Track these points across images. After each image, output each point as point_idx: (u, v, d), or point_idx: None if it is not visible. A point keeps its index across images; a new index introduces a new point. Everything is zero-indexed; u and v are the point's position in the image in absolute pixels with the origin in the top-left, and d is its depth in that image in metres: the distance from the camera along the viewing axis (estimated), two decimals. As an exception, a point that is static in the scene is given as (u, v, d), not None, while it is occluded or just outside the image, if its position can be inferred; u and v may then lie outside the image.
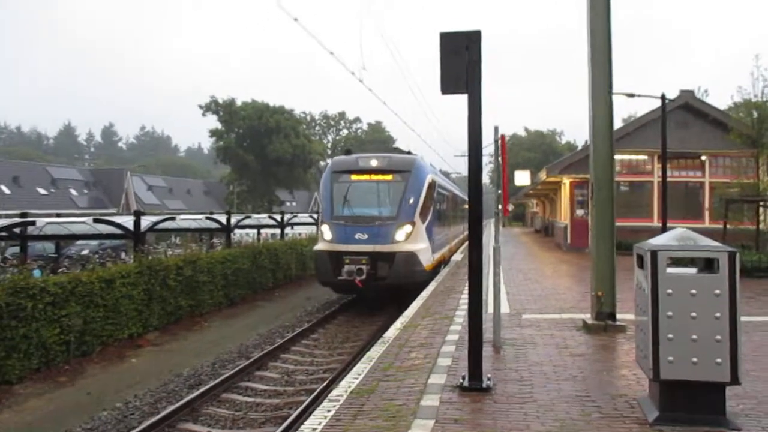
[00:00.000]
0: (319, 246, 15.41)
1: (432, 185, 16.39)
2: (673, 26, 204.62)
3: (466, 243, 8.67)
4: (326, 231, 15.12)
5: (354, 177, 15.74)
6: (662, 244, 4.98)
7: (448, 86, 6.19)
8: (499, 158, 7.74)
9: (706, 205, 23.12)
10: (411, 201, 15.12)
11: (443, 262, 19.50)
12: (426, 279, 15.24)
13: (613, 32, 9.01)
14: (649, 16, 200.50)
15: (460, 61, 6.11)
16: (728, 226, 17.98)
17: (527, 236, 41.99)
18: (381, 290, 15.06)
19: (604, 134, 8.96)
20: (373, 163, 15.74)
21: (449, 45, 6.17)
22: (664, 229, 16.18)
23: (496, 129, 7.82)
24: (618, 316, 8.82)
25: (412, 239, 14.74)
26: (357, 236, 14.64)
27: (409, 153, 17.43)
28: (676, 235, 5.06)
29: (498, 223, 8.12)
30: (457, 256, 23.66)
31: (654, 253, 4.87)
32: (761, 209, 18.26)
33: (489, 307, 9.23)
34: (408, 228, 14.74)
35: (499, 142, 7.66)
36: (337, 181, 15.84)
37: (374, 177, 15.64)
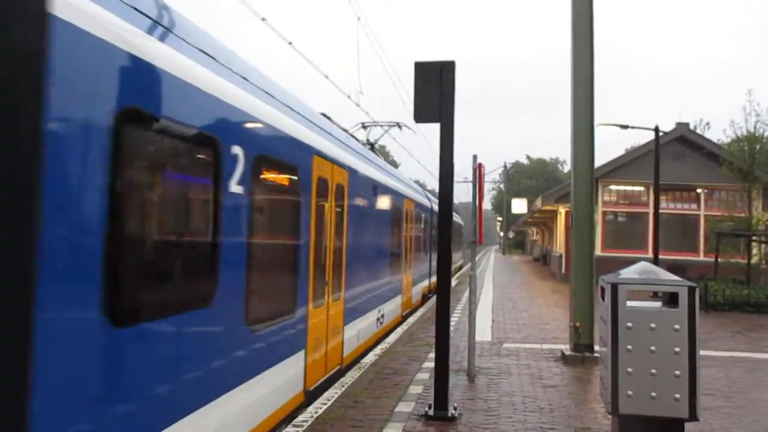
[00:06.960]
0: None
1: None
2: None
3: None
4: None
5: None
6: (623, 278, 4.98)
7: (421, 115, 6.26)
8: (477, 186, 7.78)
9: (701, 238, 23.10)
10: None
11: None
12: None
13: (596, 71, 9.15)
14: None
15: (434, 90, 6.18)
16: (720, 260, 17.95)
17: (525, 264, 41.87)
18: None
19: (585, 172, 9.08)
20: None
21: (423, 75, 6.25)
22: (655, 260, 16.15)
23: (475, 157, 7.88)
24: (596, 347, 8.77)
25: None
26: None
27: None
28: (638, 269, 5.06)
29: (474, 252, 8.14)
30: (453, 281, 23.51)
31: (614, 286, 4.87)
32: (753, 243, 18.24)
33: (481, 335, 9.16)
34: None
35: (477, 170, 7.71)
36: None
37: None
